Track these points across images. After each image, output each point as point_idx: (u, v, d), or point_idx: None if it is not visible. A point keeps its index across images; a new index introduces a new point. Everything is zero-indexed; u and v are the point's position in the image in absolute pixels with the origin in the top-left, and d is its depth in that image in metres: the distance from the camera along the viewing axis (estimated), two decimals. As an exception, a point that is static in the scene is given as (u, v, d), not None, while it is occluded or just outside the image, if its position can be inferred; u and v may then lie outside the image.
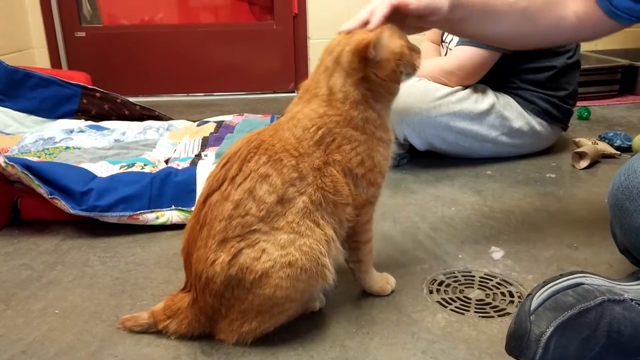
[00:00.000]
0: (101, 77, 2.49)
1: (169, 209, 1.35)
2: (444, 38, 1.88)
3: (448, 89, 1.66)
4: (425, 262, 1.15)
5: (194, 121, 2.08)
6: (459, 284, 1.07)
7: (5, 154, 1.69)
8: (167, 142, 1.83)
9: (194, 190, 1.39)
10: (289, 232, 0.84)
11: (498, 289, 1.05)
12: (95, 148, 1.76)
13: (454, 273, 1.11)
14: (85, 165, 1.51)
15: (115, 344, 0.92)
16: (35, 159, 1.57)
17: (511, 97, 1.72)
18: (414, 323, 0.95)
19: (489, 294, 1.03)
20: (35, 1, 2.73)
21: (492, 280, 1.08)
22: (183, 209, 1.35)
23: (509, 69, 1.70)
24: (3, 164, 1.30)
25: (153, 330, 0.93)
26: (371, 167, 0.91)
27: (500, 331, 0.92)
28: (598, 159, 1.71)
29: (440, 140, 1.68)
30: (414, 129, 1.65)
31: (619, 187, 0.92)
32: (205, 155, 1.64)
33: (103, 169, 1.50)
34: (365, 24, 0.92)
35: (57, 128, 1.97)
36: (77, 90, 2.13)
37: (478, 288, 1.06)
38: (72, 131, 1.92)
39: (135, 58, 2.85)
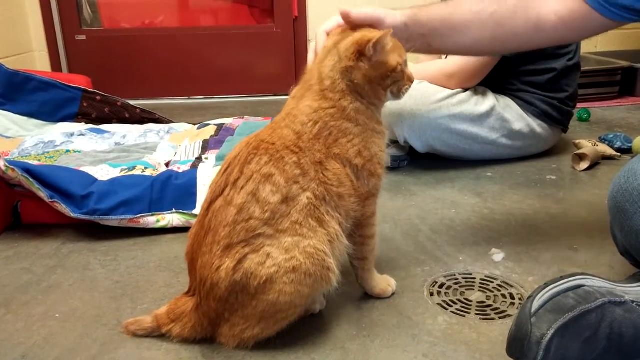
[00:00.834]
0: (102, 80, 2.49)
1: (169, 212, 1.35)
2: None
3: (448, 92, 1.66)
4: (426, 264, 1.15)
5: (195, 124, 2.09)
6: (459, 286, 1.07)
7: (6, 158, 1.68)
8: (167, 145, 1.83)
9: (195, 194, 1.39)
10: (293, 235, 0.84)
11: (499, 291, 1.05)
12: (96, 151, 1.76)
13: (455, 275, 1.11)
14: (86, 169, 1.51)
15: (116, 347, 0.92)
16: (35, 162, 1.57)
17: (511, 99, 1.72)
18: (415, 325, 0.95)
19: (489, 296, 1.03)
20: (36, 4, 2.73)
21: (492, 282, 1.08)
22: (184, 212, 1.35)
23: (509, 71, 1.70)
24: (3, 168, 1.30)
25: (156, 334, 0.92)
26: (369, 158, 0.92)
27: (501, 333, 0.92)
28: (598, 161, 1.70)
29: (441, 143, 1.68)
30: (415, 131, 1.65)
31: (619, 189, 0.92)
32: (206, 158, 1.64)
33: (103, 173, 1.51)
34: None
35: (58, 131, 1.97)
36: (78, 93, 2.13)
37: (479, 290, 1.06)
38: (72, 134, 1.92)
39: (135, 61, 2.86)
